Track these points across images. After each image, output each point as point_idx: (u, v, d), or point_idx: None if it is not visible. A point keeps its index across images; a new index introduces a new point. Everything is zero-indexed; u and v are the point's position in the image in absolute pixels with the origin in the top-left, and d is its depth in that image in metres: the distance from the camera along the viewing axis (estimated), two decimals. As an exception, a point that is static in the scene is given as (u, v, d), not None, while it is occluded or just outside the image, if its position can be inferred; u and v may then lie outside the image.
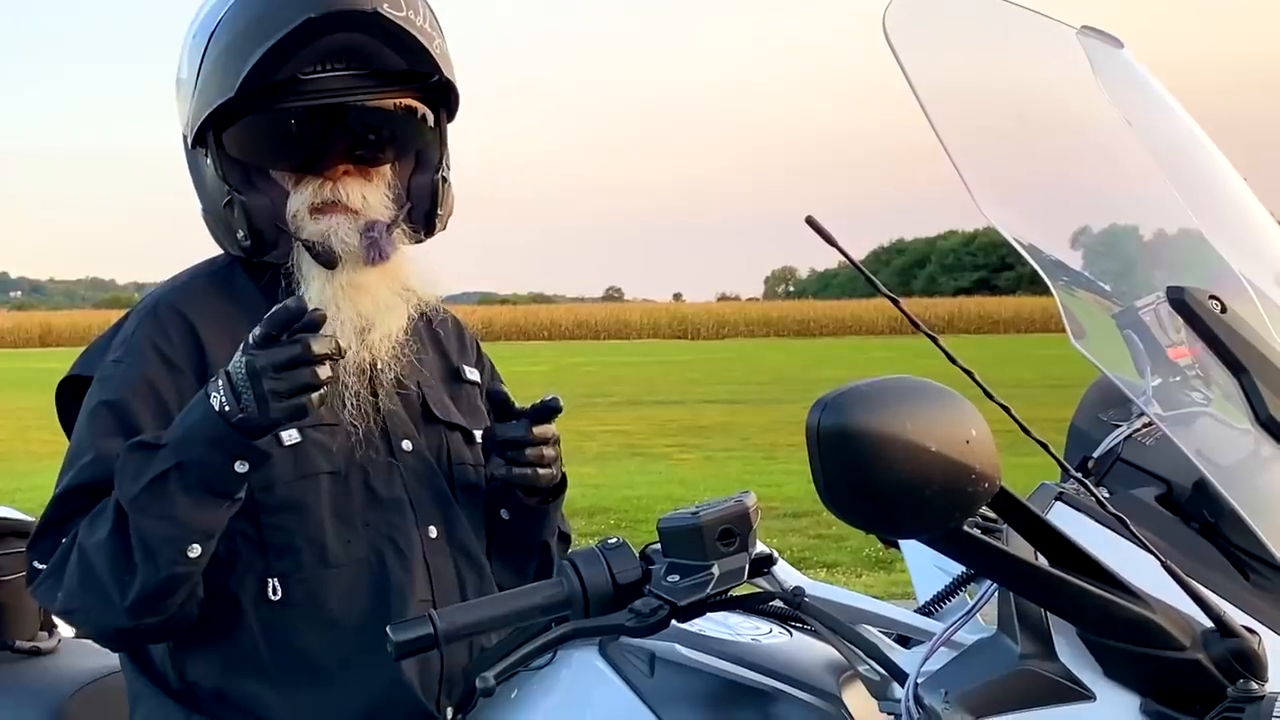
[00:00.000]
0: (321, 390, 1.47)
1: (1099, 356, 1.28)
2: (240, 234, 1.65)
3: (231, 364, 1.48)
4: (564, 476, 1.77)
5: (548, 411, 1.68)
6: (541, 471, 1.69)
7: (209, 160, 1.66)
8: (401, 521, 1.66)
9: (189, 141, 1.70)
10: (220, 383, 1.47)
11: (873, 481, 1.02)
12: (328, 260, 1.64)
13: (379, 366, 1.67)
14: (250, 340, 1.47)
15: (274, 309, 1.47)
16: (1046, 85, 1.59)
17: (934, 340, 1.09)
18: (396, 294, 1.68)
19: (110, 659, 1.99)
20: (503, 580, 1.76)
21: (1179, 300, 1.35)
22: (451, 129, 1.76)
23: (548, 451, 1.69)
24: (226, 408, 1.46)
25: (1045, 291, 1.25)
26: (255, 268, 1.71)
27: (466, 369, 1.84)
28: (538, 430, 1.68)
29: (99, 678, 1.95)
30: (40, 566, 1.57)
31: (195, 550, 1.50)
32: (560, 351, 37.01)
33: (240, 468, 1.49)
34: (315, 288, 1.64)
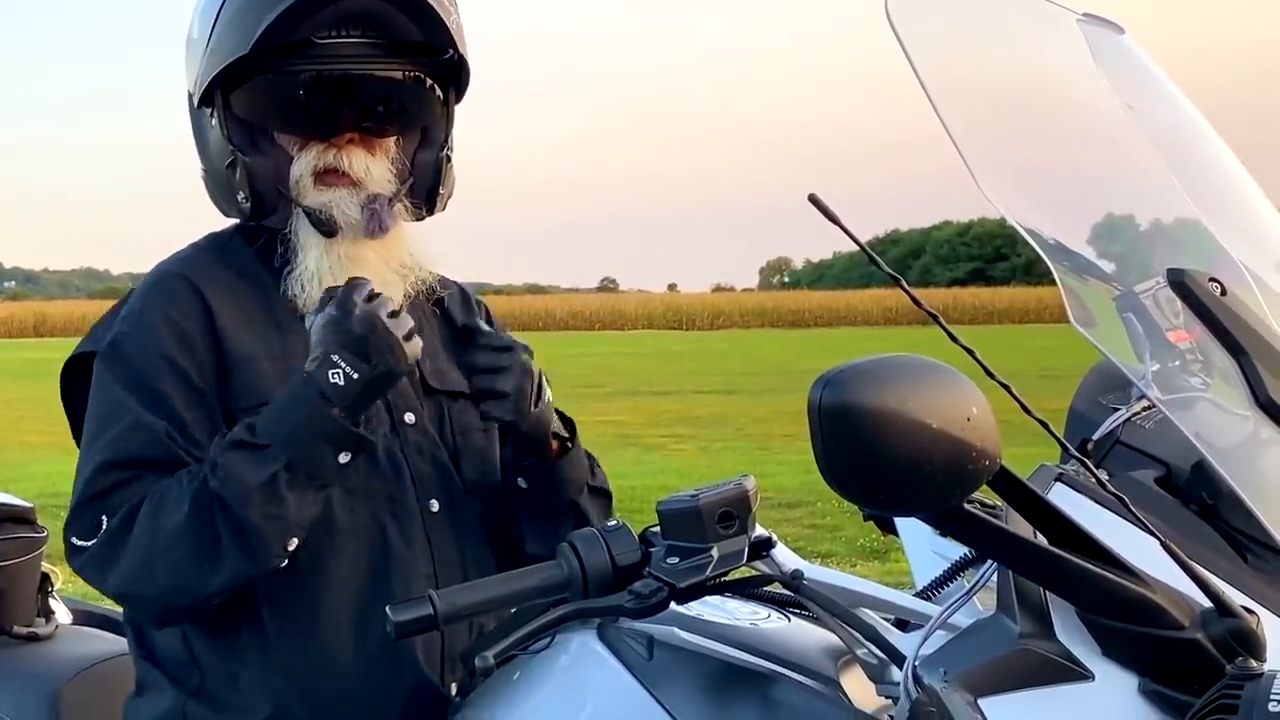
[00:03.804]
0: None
1: (1100, 340, 1.28)
2: (241, 195, 1.65)
3: (338, 333, 1.49)
4: (575, 441, 1.74)
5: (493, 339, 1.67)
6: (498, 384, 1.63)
7: (214, 120, 1.67)
8: (403, 495, 1.66)
9: (195, 101, 1.70)
10: (334, 357, 1.49)
11: (874, 458, 1.02)
12: (327, 229, 1.65)
13: None
14: (347, 308, 1.49)
15: (346, 288, 1.51)
16: (1049, 71, 1.60)
17: (935, 318, 1.09)
18: (393, 270, 1.68)
19: (107, 645, 1.99)
20: (538, 552, 1.73)
21: (1179, 282, 1.36)
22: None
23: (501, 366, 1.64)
24: (355, 374, 1.49)
25: (1040, 282, 1.26)
26: (252, 235, 1.71)
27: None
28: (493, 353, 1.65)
29: (95, 663, 1.96)
30: (80, 543, 1.56)
31: (294, 542, 1.53)
32: (555, 342, 36.98)
33: (344, 458, 1.52)
34: (313, 256, 1.65)
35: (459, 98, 1.74)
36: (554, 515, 1.74)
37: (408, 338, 1.51)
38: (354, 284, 1.52)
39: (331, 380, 1.49)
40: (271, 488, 1.49)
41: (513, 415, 1.64)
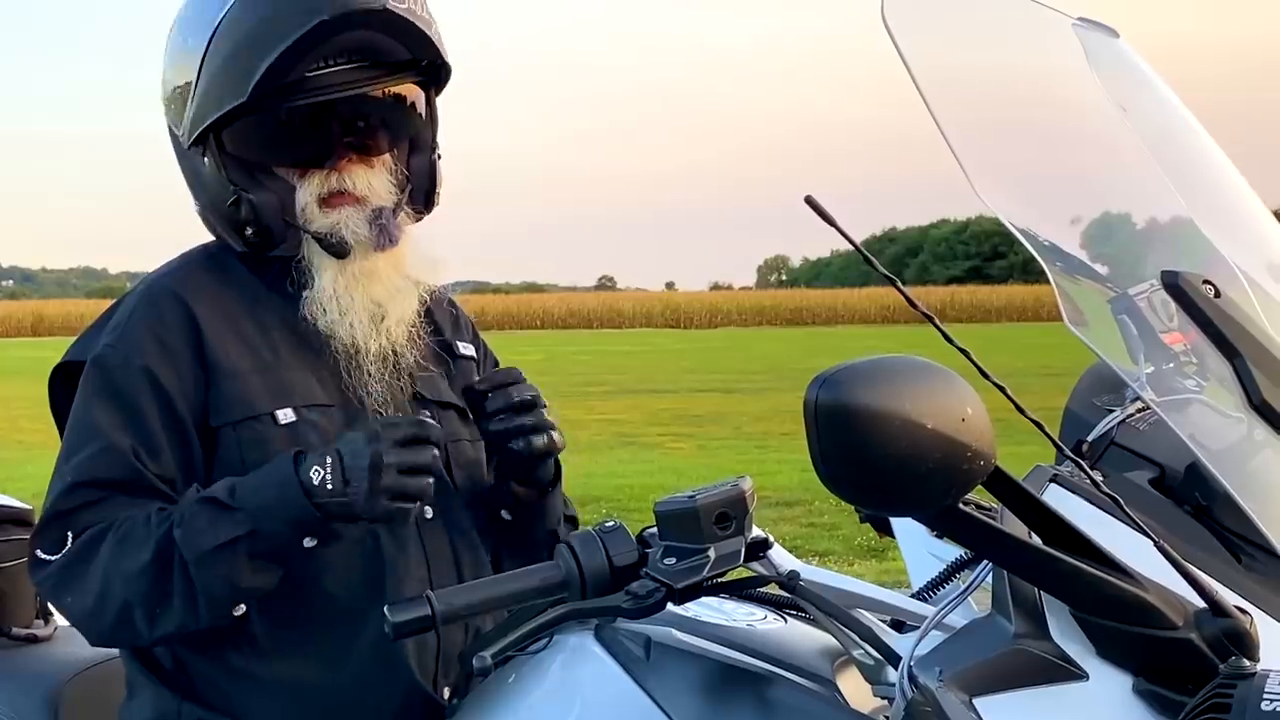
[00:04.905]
0: (417, 505, 1.51)
1: (1094, 341, 1.29)
2: (249, 231, 1.66)
3: (347, 445, 1.48)
4: (559, 466, 1.78)
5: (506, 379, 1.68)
6: (547, 439, 1.67)
7: (208, 160, 1.67)
8: None
9: (185, 143, 1.69)
10: (328, 459, 1.48)
11: (869, 458, 1.03)
12: (339, 251, 1.66)
13: (398, 352, 1.69)
14: (383, 434, 1.48)
15: (395, 426, 1.49)
16: (1044, 74, 1.60)
17: (930, 320, 1.10)
18: (406, 277, 1.70)
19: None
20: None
21: (1173, 284, 1.36)
22: (444, 120, 1.76)
23: (529, 419, 1.66)
24: (329, 485, 1.48)
25: (1037, 280, 1.26)
26: (259, 260, 1.71)
27: (460, 345, 1.85)
28: (516, 394, 1.67)
29: (94, 664, 1.95)
30: (45, 557, 1.58)
31: (241, 609, 1.55)
32: (553, 340, 37.00)
33: (309, 543, 1.52)
34: (328, 278, 1.66)
35: (438, 93, 1.75)
36: (534, 544, 1.77)
37: (400, 496, 1.48)
38: (413, 425, 1.50)
39: (311, 473, 1.48)
40: (230, 551, 1.50)
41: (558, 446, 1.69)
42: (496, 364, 1.92)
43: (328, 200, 1.66)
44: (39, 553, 1.58)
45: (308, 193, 1.65)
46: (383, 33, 1.60)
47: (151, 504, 1.57)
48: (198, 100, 1.64)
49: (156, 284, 1.69)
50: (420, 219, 1.74)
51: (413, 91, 1.70)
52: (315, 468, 1.49)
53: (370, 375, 1.67)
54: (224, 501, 1.52)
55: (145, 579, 1.52)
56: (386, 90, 1.66)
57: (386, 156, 1.70)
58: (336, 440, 1.53)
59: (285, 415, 1.61)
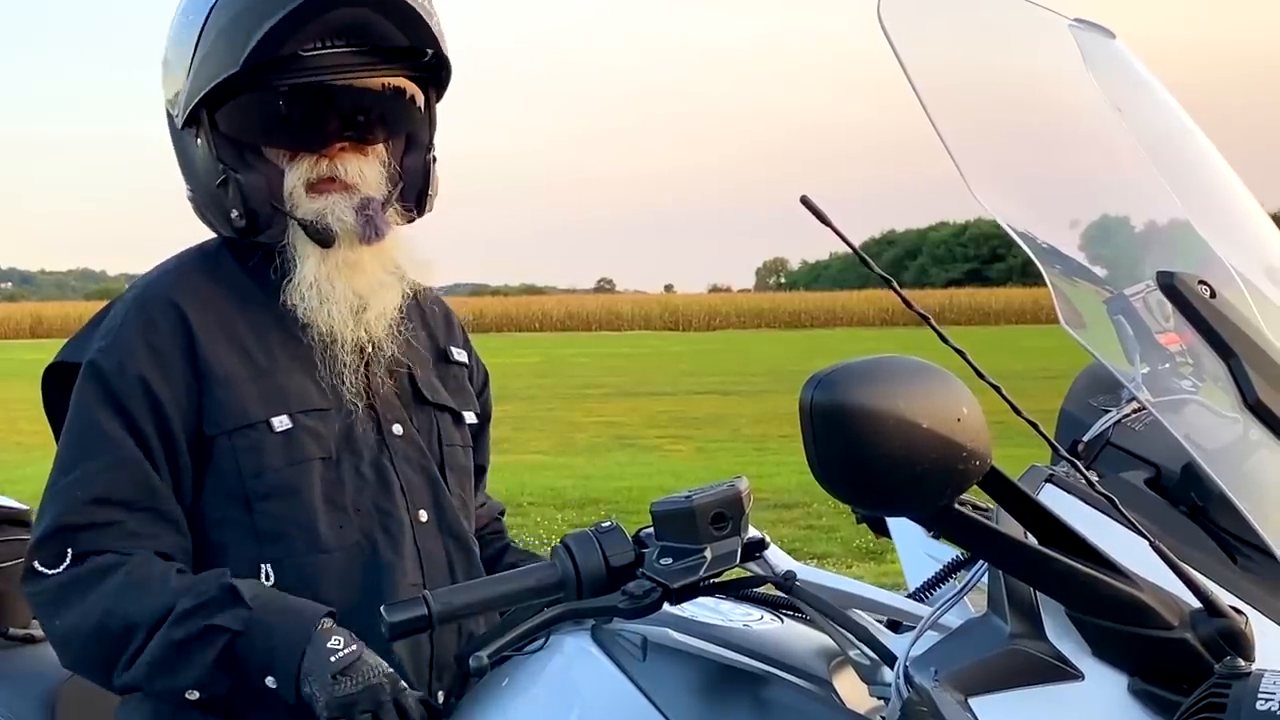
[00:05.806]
0: None
1: (1090, 342, 1.29)
2: (235, 214, 1.65)
3: (374, 672, 1.45)
4: None
5: None
6: None
7: (200, 140, 1.66)
8: (392, 506, 1.67)
9: (179, 122, 1.69)
10: (351, 656, 1.45)
11: (865, 457, 1.03)
12: (324, 239, 1.65)
13: (376, 345, 1.68)
14: (405, 697, 1.45)
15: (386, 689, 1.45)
16: (1041, 75, 1.60)
17: (926, 320, 1.10)
18: (390, 272, 1.69)
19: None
20: None
21: (1169, 285, 1.36)
22: (442, 121, 1.76)
23: None
24: (327, 670, 1.44)
25: (1036, 283, 1.26)
26: (243, 250, 1.71)
27: (454, 350, 1.85)
28: None
29: (91, 665, 1.95)
30: (43, 570, 1.56)
31: (194, 695, 1.53)
32: (551, 343, 37.01)
33: (270, 682, 1.49)
34: (310, 266, 1.65)
35: (439, 97, 1.75)
36: None
37: None
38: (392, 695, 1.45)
39: (331, 642, 1.46)
40: (210, 634, 1.49)
41: None
42: (485, 374, 1.93)
43: (315, 186, 1.65)
44: (37, 564, 1.57)
45: (296, 176, 1.65)
46: (379, 13, 1.60)
47: (161, 530, 1.57)
48: (192, 75, 1.64)
49: (150, 288, 1.68)
50: (411, 220, 1.73)
51: (411, 87, 1.69)
52: (335, 639, 1.47)
53: (346, 366, 1.65)
54: (242, 595, 1.51)
55: (139, 628, 1.51)
56: (387, 85, 1.66)
57: (380, 147, 1.69)
58: (374, 651, 1.48)
59: (281, 423, 1.61)
